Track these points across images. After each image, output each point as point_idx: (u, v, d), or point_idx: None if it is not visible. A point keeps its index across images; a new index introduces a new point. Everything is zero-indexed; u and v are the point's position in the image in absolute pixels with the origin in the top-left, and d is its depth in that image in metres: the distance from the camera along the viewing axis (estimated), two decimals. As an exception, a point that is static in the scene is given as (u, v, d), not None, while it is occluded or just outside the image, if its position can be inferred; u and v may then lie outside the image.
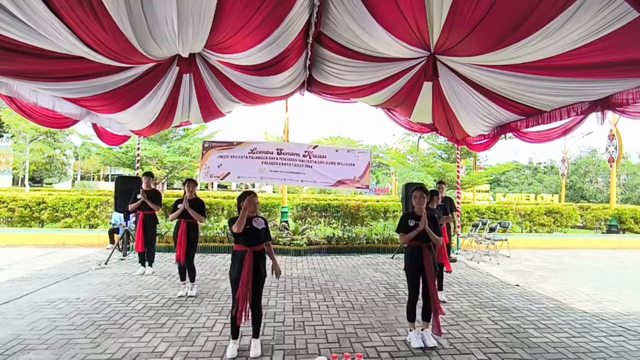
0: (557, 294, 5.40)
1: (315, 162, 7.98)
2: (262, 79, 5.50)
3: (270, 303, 4.71)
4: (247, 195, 3.29)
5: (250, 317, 3.24)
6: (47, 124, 5.30)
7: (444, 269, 4.90)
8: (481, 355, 3.35)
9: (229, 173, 7.80)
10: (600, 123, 4.47)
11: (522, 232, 11.51)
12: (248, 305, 3.20)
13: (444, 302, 5.00)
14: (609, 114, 4.61)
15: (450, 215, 5.39)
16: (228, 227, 3.28)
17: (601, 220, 12.73)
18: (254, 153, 7.87)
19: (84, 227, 10.09)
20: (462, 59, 4.48)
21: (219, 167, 7.75)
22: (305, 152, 8.00)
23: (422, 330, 3.59)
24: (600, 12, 2.79)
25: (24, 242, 8.46)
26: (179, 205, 4.91)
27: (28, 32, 3.10)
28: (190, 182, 5.03)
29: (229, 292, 5.10)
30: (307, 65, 5.65)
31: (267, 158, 7.88)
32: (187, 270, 4.99)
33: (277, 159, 7.89)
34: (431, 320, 3.52)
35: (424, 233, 3.47)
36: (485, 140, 7.18)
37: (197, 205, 4.98)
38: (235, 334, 3.31)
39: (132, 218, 7.54)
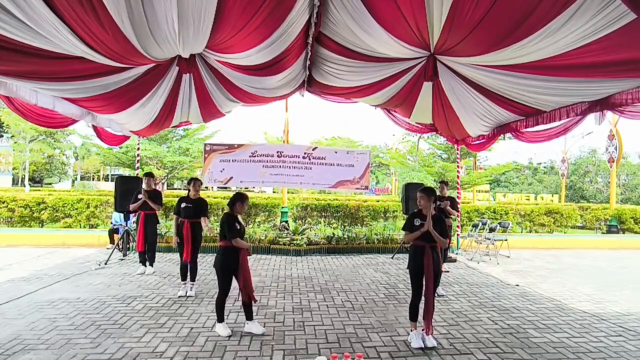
0: (557, 294, 5.40)
1: (314, 163, 8.03)
2: (262, 79, 5.50)
3: (270, 303, 4.71)
4: (245, 200, 3.82)
5: (241, 302, 3.78)
6: (43, 123, 5.28)
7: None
8: (481, 355, 3.35)
9: (231, 177, 7.90)
10: (597, 123, 4.48)
11: (522, 232, 11.51)
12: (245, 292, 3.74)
13: (442, 295, 5.11)
14: (609, 114, 4.60)
15: (449, 219, 5.41)
16: (229, 224, 3.68)
17: (601, 220, 12.72)
18: (254, 156, 7.93)
19: (84, 227, 10.09)
20: (462, 59, 4.48)
21: (221, 171, 7.85)
22: (305, 153, 8.04)
23: (422, 330, 3.59)
24: (600, 12, 2.79)
25: (24, 242, 8.46)
26: (183, 205, 4.93)
27: (28, 32, 3.10)
28: (196, 182, 5.04)
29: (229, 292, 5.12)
30: (307, 65, 5.65)
31: (267, 161, 7.94)
32: (189, 269, 5.00)
33: (277, 161, 7.94)
34: (428, 319, 3.52)
35: (428, 233, 3.48)
36: (483, 140, 7.19)
37: (201, 205, 4.99)
38: (221, 318, 3.75)
39: (132, 218, 7.55)
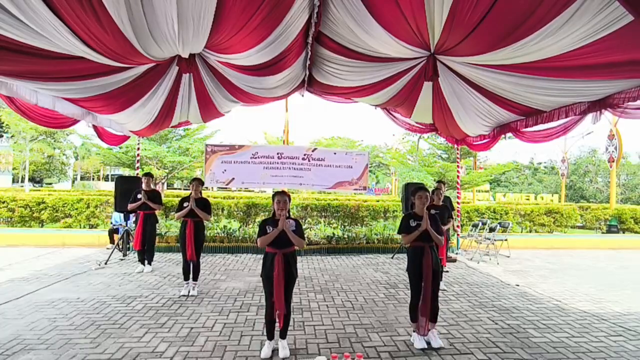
0: (557, 294, 5.40)
1: (314, 165, 8.11)
2: (262, 79, 5.50)
3: (270, 303, 4.70)
4: (274, 197, 3.32)
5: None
6: (46, 124, 5.30)
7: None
8: (481, 355, 3.35)
9: (233, 179, 7.99)
10: (593, 122, 4.51)
11: (522, 232, 11.51)
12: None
13: (443, 289, 5.19)
14: (608, 113, 4.62)
15: (450, 220, 5.42)
16: (258, 230, 3.36)
17: (601, 220, 12.71)
18: (255, 158, 8.01)
19: (84, 227, 10.09)
20: (462, 59, 4.48)
21: (223, 172, 7.95)
22: (305, 155, 8.10)
23: (428, 330, 3.57)
24: (600, 12, 2.79)
25: (24, 242, 8.45)
26: (185, 204, 4.93)
27: (28, 32, 3.10)
28: (197, 182, 5.07)
29: (229, 292, 5.13)
30: (307, 65, 5.65)
31: (268, 163, 8.03)
32: (192, 268, 5.00)
33: (277, 163, 8.03)
34: (426, 319, 3.50)
35: (426, 233, 3.47)
36: (486, 141, 7.18)
37: (203, 204, 5.01)
38: (270, 335, 3.34)
39: (132, 218, 7.55)
